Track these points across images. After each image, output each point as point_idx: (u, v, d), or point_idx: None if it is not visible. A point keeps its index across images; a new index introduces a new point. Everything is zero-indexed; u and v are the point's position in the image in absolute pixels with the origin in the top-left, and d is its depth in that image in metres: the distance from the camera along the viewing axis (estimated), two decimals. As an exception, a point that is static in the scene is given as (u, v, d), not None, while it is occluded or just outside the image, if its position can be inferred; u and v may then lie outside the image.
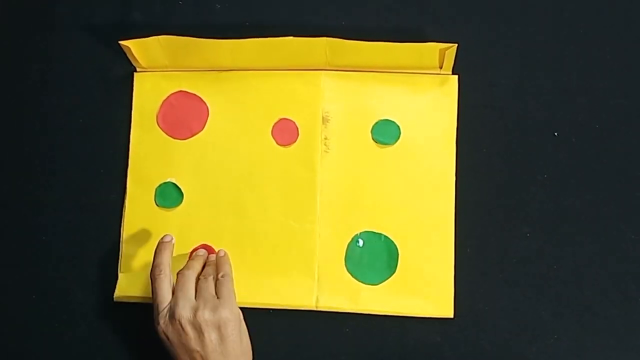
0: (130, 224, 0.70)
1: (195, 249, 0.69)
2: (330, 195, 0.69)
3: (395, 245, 0.68)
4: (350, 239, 0.68)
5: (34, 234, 0.71)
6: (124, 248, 0.70)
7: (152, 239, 0.70)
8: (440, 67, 0.70)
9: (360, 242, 0.68)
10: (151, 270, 0.62)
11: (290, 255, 0.68)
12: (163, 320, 0.60)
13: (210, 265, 0.65)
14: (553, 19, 0.71)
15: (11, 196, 0.72)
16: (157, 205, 0.70)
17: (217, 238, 0.69)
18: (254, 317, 0.67)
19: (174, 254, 0.66)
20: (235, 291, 0.66)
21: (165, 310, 0.60)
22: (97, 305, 0.69)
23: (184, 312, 0.59)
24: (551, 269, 0.67)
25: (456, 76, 0.70)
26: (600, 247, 0.68)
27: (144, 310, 0.68)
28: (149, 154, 0.71)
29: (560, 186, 0.69)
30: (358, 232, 0.68)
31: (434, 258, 0.68)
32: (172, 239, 0.65)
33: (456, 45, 0.67)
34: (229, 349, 0.59)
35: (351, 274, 0.68)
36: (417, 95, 0.70)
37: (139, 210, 0.70)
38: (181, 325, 0.59)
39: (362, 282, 0.68)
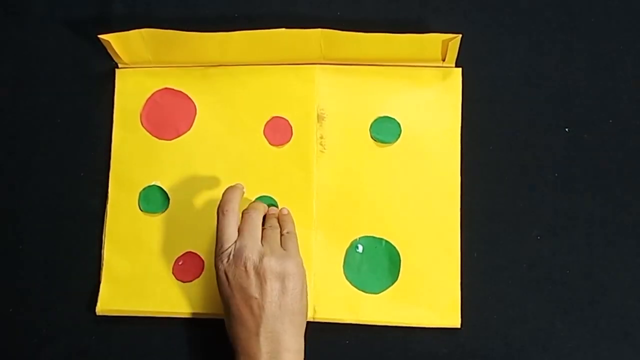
0: (112, 231, 0.67)
1: (180, 257, 0.66)
2: (327, 198, 0.66)
3: (397, 251, 0.65)
4: (349, 245, 0.66)
5: (9, 243, 0.68)
6: (106, 257, 0.67)
7: (136, 246, 0.66)
8: (443, 60, 0.67)
9: (360, 248, 0.66)
10: (220, 205, 0.60)
11: None
12: (227, 259, 0.58)
13: (272, 218, 0.63)
14: (561, 7, 0.69)
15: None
16: (141, 210, 0.67)
17: (205, 245, 0.66)
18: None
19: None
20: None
21: (230, 249, 0.58)
22: (79, 320, 0.66)
23: (251, 255, 0.57)
24: (564, 273, 0.65)
25: (460, 69, 0.68)
26: (616, 249, 0.65)
27: (129, 325, 0.66)
28: (133, 155, 0.68)
29: (572, 185, 0.66)
30: (357, 237, 0.66)
31: (439, 264, 0.65)
32: (243, 187, 0.63)
33: (460, 35, 0.64)
34: (287, 303, 0.57)
35: (350, 282, 0.65)
36: (419, 89, 0.67)
37: (121, 216, 0.67)
38: (245, 268, 0.57)
39: (362, 290, 0.65)
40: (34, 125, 0.70)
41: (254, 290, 0.57)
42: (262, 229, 0.60)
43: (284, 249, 0.60)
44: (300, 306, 0.58)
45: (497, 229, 0.66)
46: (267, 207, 0.64)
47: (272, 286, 0.57)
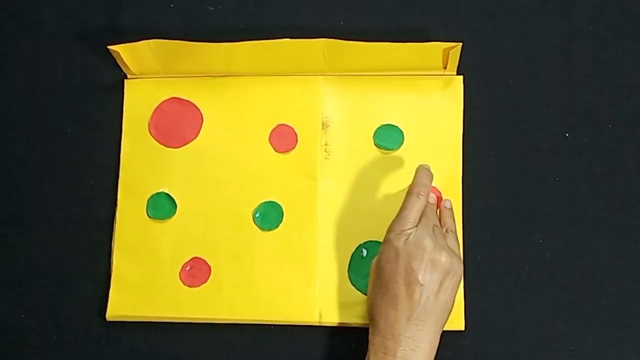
0: (121, 237, 0.67)
1: (187, 263, 0.66)
2: (332, 203, 0.67)
3: (401, 255, 0.65)
4: (353, 250, 0.66)
5: (21, 250, 0.68)
6: (115, 263, 0.67)
7: (144, 252, 0.67)
8: (445, 68, 0.67)
9: (365, 253, 0.66)
10: (414, 186, 0.61)
11: (290, 268, 0.66)
12: (405, 239, 0.58)
13: (435, 215, 0.63)
14: (561, 15, 0.70)
15: (-5, 211, 0.69)
16: (149, 216, 0.67)
17: (213, 250, 0.66)
18: (254, 334, 0.65)
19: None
20: (233, 306, 0.65)
21: (412, 232, 0.59)
22: (89, 325, 0.66)
23: (432, 244, 0.58)
24: (566, 276, 0.65)
25: (461, 77, 0.68)
26: (618, 252, 0.65)
27: (138, 330, 0.66)
28: (141, 163, 0.68)
29: (573, 189, 0.66)
30: (362, 241, 0.66)
31: (442, 268, 0.65)
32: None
33: (461, 44, 0.65)
34: (443, 300, 0.58)
35: (355, 286, 0.65)
36: (421, 97, 0.68)
37: (130, 223, 0.67)
38: (422, 254, 0.57)
39: (367, 295, 0.64)
40: (45, 135, 0.70)
41: (423, 278, 0.57)
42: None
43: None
44: (451, 305, 0.59)
45: (499, 234, 0.66)
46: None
47: (440, 279, 0.57)
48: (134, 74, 0.70)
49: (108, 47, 0.67)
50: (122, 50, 0.67)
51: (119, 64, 0.69)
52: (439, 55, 0.66)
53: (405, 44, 0.65)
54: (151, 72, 0.69)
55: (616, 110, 0.67)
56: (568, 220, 0.66)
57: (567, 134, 0.67)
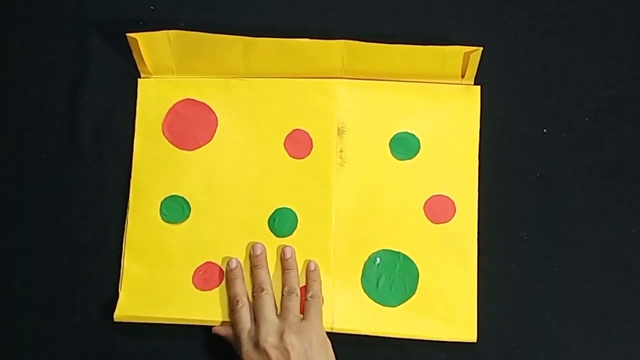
0: (133, 239, 0.66)
1: (200, 267, 0.65)
2: (346, 211, 0.66)
3: (414, 265, 0.65)
4: (367, 258, 0.66)
5: (30, 252, 0.67)
6: (125, 265, 0.66)
7: (156, 255, 0.66)
8: (463, 76, 0.67)
9: (378, 261, 0.66)
10: (229, 303, 0.63)
11: (303, 274, 0.65)
12: (247, 348, 0.60)
13: (293, 278, 0.63)
14: (574, 29, 0.70)
15: (7, 212, 0.68)
16: (163, 219, 0.67)
17: (225, 254, 0.66)
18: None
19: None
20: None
21: (247, 337, 0.60)
22: (97, 326, 0.66)
23: (268, 338, 0.59)
24: (553, 271, 0.66)
25: (478, 87, 0.68)
26: (601, 244, 0.66)
27: (146, 331, 0.65)
28: (154, 165, 0.67)
29: (554, 185, 0.67)
30: (375, 250, 0.66)
31: (456, 278, 0.65)
32: (237, 263, 0.64)
33: (481, 49, 0.65)
34: None
35: (368, 295, 0.65)
36: (438, 106, 0.68)
37: (142, 225, 0.67)
38: (266, 351, 0.58)
39: (380, 303, 0.65)
40: (57, 135, 0.69)
41: None
42: (282, 297, 0.62)
43: (305, 317, 0.61)
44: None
45: (517, 245, 0.66)
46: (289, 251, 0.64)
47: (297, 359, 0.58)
48: (148, 72, 0.68)
49: (127, 34, 0.65)
50: (140, 39, 0.65)
51: (135, 56, 0.67)
52: (458, 61, 0.66)
53: (424, 47, 0.65)
54: (166, 70, 0.68)
55: (591, 106, 0.68)
56: (551, 216, 0.66)
57: (544, 130, 0.67)
